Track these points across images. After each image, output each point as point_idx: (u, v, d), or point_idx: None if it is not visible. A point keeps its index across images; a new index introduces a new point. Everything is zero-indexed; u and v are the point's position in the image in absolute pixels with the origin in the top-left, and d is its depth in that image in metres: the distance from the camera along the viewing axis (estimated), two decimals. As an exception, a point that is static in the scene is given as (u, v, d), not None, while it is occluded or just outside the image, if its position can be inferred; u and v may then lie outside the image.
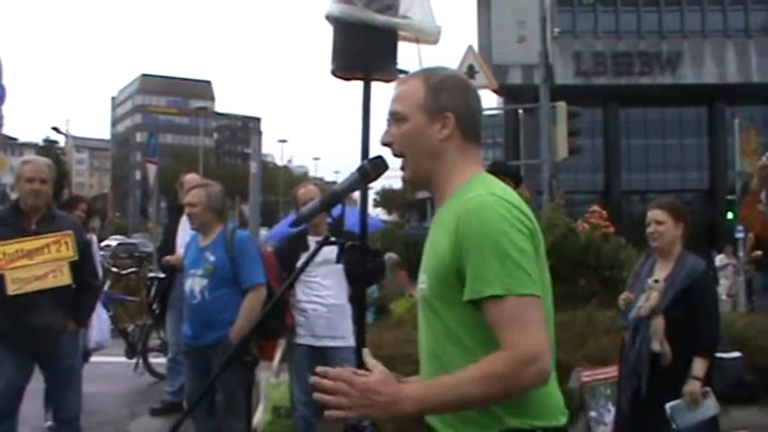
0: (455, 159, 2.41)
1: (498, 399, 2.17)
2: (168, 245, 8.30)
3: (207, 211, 5.90)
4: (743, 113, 37.23)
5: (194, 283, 5.82)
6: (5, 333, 5.49)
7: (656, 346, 5.04)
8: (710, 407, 5.05)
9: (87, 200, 8.68)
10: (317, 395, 2.16)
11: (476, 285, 2.17)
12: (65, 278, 5.62)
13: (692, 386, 4.95)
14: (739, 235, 22.04)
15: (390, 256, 12.93)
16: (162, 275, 8.55)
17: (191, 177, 8.36)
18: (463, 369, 2.17)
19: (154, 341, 10.35)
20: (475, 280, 2.17)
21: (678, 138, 50.31)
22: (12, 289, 5.43)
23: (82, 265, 5.76)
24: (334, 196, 2.58)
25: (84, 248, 5.82)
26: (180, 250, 7.35)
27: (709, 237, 36.26)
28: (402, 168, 2.49)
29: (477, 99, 2.51)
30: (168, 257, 8.02)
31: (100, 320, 8.18)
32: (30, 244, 5.54)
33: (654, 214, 5.29)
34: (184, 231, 7.35)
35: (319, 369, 2.19)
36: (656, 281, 5.16)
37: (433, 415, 2.34)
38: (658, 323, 5.05)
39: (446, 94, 2.41)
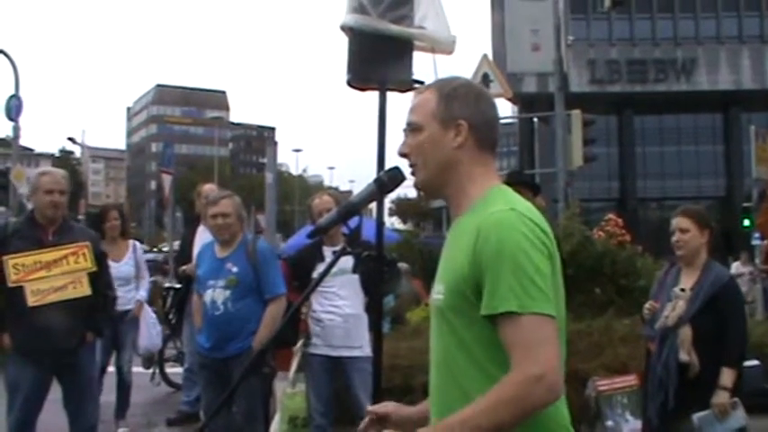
0: (470, 169, 2.42)
1: (514, 422, 2.16)
2: (185, 255, 8.33)
3: (238, 222, 5.94)
4: (759, 120, 37.04)
5: (216, 295, 5.81)
6: (25, 345, 5.51)
7: (683, 357, 4.97)
8: (739, 418, 4.98)
9: (118, 206, 8.73)
10: None
11: (492, 301, 2.18)
12: (84, 289, 5.64)
13: (721, 397, 4.89)
14: (756, 242, 21.92)
15: (401, 265, 12.89)
16: (178, 285, 8.58)
17: (209, 187, 8.40)
18: (474, 402, 2.18)
19: (170, 351, 10.38)
20: (492, 296, 2.18)
21: (693, 145, 50.17)
22: (32, 300, 5.45)
23: (98, 276, 5.78)
24: (352, 207, 2.59)
25: (100, 260, 5.85)
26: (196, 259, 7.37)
27: (726, 244, 36.08)
28: (413, 174, 2.50)
29: (492, 107, 2.51)
30: (185, 267, 8.04)
31: (148, 326, 8.26)
32: (48, 255, 5.56)
33: (678, 222, 5.20)
34: (201, 241, 7.37)
35: None
36: (683, 290, 5.09)
37: None
38: (686, 333, 4.98)
39: (459, 103, 2.42)
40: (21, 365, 5.53)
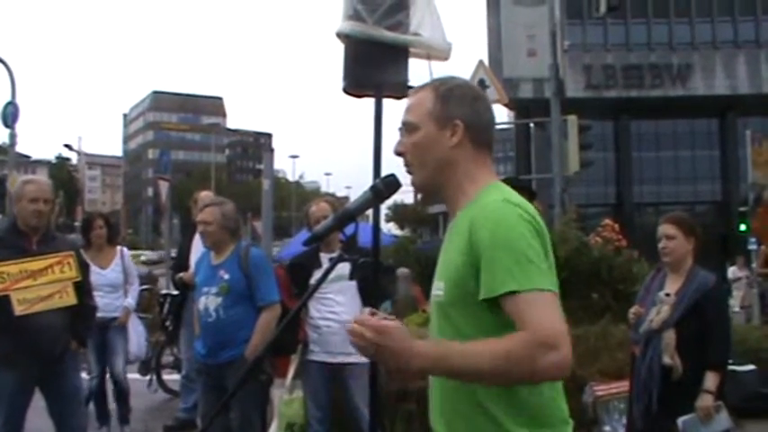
0: (467, 168, 2.44)
1: (508, 378, 2.16)
2: (182, 262, 8.33)
3: (221, 230, 5.90)
4: (754, 125, 37.01)
5: (209, 302, 5.81)
6: (10, 356, 5.44)
7: (667, 360, 5.02)
8: (723, 421, 5.01)
9: (103, 214, 8.73)
10: (350, 340, 2.21)
11: (491, 285, 2.19)
12: (70, 299, 5.63)
13: (705, 401, 4.92)
14: (752, 247, 21.92)
15: (402, 270, 12.89)
16: (175, 292, 8.58)
17: (205, 195, 8.39)
18: (478, 340, 2.18)
19: (167, 358, 10.37)
20: (490, 279, 2.19)
21: (690, 150, 50.16)
22: (19, 309, 5.41)
23: (81, 286, 5.76)
24: (348, 215, 2.59)
25: (83, 269, 5.84)
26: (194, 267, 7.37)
27: (722, 249, 36.11)
28: (409, 173, 2.51)
29: (488, 108, 2.53)
30: (181, 274, 8.04)
31: (137, 333, 8.25)
32: (33, 264, 5.52)
33: (664, 229, 5.26)
34: (198, 248, 7.37)
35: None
36: (668, 294, 5.14)
37: (436, 411, 2.39)
38: (670, 337, 5.03)
39: (455, 102, 2.44)
40: (3, 376, 5.46)
